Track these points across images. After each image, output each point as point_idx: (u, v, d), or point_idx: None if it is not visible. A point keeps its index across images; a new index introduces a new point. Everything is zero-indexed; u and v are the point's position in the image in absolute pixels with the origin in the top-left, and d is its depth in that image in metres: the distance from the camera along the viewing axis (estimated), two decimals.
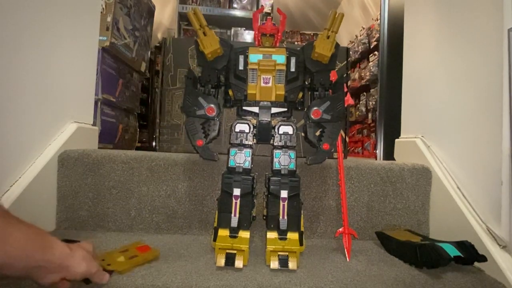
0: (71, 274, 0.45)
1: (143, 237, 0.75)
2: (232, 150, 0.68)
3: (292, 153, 0.68)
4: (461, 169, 0.78)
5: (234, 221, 0.64)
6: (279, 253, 0.61)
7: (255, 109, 0.71)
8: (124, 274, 0.55)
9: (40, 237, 0.42)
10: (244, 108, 0.72)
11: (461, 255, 0.61)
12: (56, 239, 0.44)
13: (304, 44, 0.75)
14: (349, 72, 0.98)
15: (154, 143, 1.36)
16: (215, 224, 0.65)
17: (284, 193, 0.65)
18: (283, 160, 0.67)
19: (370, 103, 2.38)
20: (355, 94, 2.64)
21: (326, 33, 0.70)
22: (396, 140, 1.08)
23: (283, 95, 0.69)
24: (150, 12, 1.71)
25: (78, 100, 0.94)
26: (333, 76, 0.72)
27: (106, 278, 0.51)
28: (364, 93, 2.52)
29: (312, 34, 4.11)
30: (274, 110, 0.71)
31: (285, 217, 0.65)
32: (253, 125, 0.70)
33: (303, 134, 0.79)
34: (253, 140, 0.70)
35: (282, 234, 0.64)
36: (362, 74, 2.49)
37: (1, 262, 0.38)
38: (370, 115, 2.41)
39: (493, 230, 0.66)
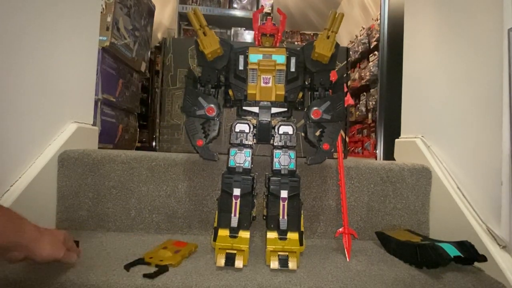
0: (36, 256, 0.48)
1: (143, 237, 0.75)
2: (232, 150, 0.68)
3: (292, 153, 0.68)
4: (461, 169, 0.78)
5: (234, 221, 0.64)
6: (279, 253, 0.61)
7: (255, 109, 0.71)
8: (177, 266, 0.59)
9: (14, 220, 0.47)
10: (244, 108, 0.72)
11: (461, 255, 0.61)
12: (28, 222, 0.48)
13: (304, 44, 0.75)
14: (349, 72, 0.98)
15: (154, 143, 1.36)
16: (215, 224, 0.65)
17: (284, 193, 0.65)
18: (283, 160, 0.67)
19: (370, 103, 2.37)
20: (355, 94, 2.63)
21: (326, 33, 0.70)
22: (396, 140, 1.08)
23: (283, 95, 0.69)
24: (150, 12, 1.71)
25: (78, 100, 0.94)
26: (333, 76, 0.72)
27: (74, 257, 0.54)
28: (364, 93, 2.52)
29: (312, 34, 4.11)
30: (274, 110, 0.71)
31: (285, 217, 0.65)
32: (253, 125, 0.70)
33: (303, 134, 0.79)
34: (253, 140, 0.70)
35: (282, 234, 0.64)
36: (362, 74, 2.48)
37: None
38: (370, 115, 2.41)
39: (493, 230, 0.66)
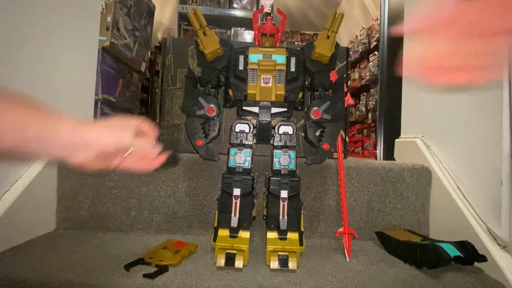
0: (98, 145, 0.40)
1: (143, 237, 0.75)
2: (232, 150, 0.68)
3: (292, 153, 0.68)
4: (461, 169, 0.78)
5: (234, 221, 0.64)
6: (279, 253, 0.61)
7: (255, 109, 0.71)
8: (177, 266, 0.59)
9: (37, 110, 0.39)
10: (244, 108, 0.72)
11: (461, 255, 0.61)
12: (65, 116, 0.40)
13: (304, 44, 0.75)
14: (349, 72, 0.98)
15: None
16: (215, 224, 0.65)
17: (284, 193, 0.65)
18: (283, 160, 0.67)
19: (370, 103, 2.37)
20: (355, 94, 2.63)
21: (326, 33, 0.70)
22: (396, 140, 1.08)
23: (283, 95, 0.69)
24: (150, 12, 1.71)
25: (78, 100, 0.94)
26: (333, 76, 0.72)
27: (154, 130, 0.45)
28: (364, 93, 2.52)
29: (312, 34, 4.11)
30: (274, 110, 0.71)
31: (285, 217, 0.65)
32: (253, 125, 0.70)
33: (303, 134, 0.79)
34: (253, 140, 0.70)
35: (282, 234, 0.64)
36: (362, 74, 2.48)
37: None
38: (370, 115, 2.41)
39: (493, 230, 0.66)
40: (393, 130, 1.25)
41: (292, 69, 0.71)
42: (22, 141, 0.37)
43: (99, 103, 1.26)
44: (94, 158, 0.41)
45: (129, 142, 0.42)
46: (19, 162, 0.65)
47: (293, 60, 0.71)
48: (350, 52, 2.65)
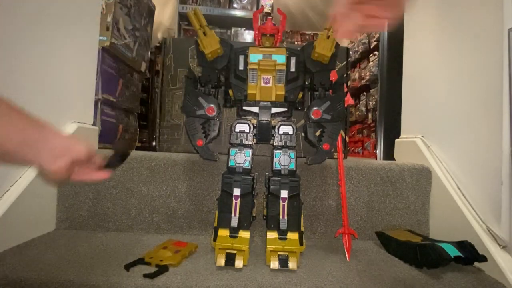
0: (77, 151, 0.42)
1: (143, 237, 0.75)
2: (232, 150, 0.68)
3: (292, 153, 0.68)
4: (461, 169, 0.78)
5: (234, 221, 0.64)
6: (279, 253, 0.61)
7: (255, 109, 0.71)
8: (178, 266, 0.59)
9: (32, 118, 0.41)
10: (244, 108, 0.72)
11: (461, 255, 0.61)
12: (45, 123, 0.42)
13: (304, 44, 0.75)
14: (349, 72, 0.98)
15: (154, 143, 1.36)
16: (215, 224, 0.65)
17: (284, 193, 0.65)
18: (283, 160, 0.67)
19: (370, 103, 2.37)
20: (355, 94, 2.63)
21: (326, 33, 0.70)
22: (396, 140, 1.08)
23: (283, 95, 0.69)
24: (150, 12, 1.71)
25: (78, 100, 0.94)
26: (333, 76, 0.72)
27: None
28: (364, 93, 2.52)
29: (312, 34, 4.10)
30: (274, 110, 0.71)
31: (285, 217, 0.65)
32: (253, 125, 0.70)
33: (303, 134, 0.79)
34: (253, 140, 0.70)
35: (282, 234, 0.64)
36: (362, 74, 2.48)
37: None
38: (370, 115, 2.41)
39: (493, 230, 0.66)
40: (393, 130, 1.25)
41: (292, 69, 0.71)
42: (21, 144, 0.39)
43: (99, 103, 1.26)
44: (68, 166, 0.42)
45: (94, 152, 0.46)
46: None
47: (293, 60, 0.71)
48: (350, 52, 2.65)
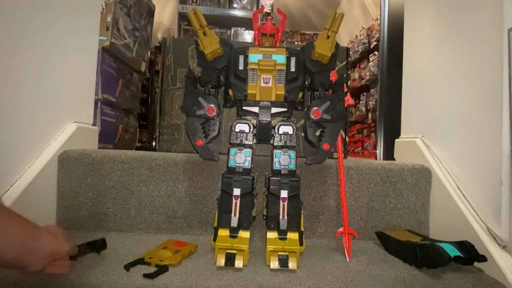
0: (59, 255, 0.46)
1: (143, 237, 0.75)
2: (232, 150, 0.68)
3: (292, 153, 0.68)
4: (461, 169, 0.78)
5: (234, 221, 0.64)
6: (279, 253, 0.61)
7: (255, 109, 0.71)
8: (178, 266, 0.59)
9: (30, 225, 0.44)
10: (244, 108, 0.72)
11: (461, 255, 0.61)
12: (41, 227, 0.46)
13: (304, 44, 0.75)
14: (349, 72, 0.98)
15: (154, 143, 1.36)
16: (215, 224, 0.65)
17: (284, 193, 0.65)
18: (283, 160, 0.67)
19: (370, 103, 2.37)
20: (355, 94, 2.63)
21: (326, 33, 0.70)
22: (396, 140, 1.08)
23: (283, 95, 0.69)
24: (150, 12, 1.71)
25: (78, 100, 0.94)
26: (333, 76, 0.72)
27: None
28: (364, 93, 2.52)
29: (312, 34, 4.11)
30: (274, 110, 0.71)
31: (285, 217, 0.65)
32: (253, 125, 0.70)
33: (303, 134, 0.79)
34: (253, 140, 0.70)
35: (282, 234, 0.64)
36: (362, 74, 2.48)
37: None
38: (370, 115, 2.41)
39: (493, 230, 0.66)
40: (393, 130, 1.25)
41: (292, 69, 0.71)
42: (20, 254, 0.41)
43: (99, 103, 1.26)
44: (44, 262, 0.44)
45: (69, 249, 0.48)
46: None
47: (293, 60, 0.71)
48: (350, 52, 2.65)
